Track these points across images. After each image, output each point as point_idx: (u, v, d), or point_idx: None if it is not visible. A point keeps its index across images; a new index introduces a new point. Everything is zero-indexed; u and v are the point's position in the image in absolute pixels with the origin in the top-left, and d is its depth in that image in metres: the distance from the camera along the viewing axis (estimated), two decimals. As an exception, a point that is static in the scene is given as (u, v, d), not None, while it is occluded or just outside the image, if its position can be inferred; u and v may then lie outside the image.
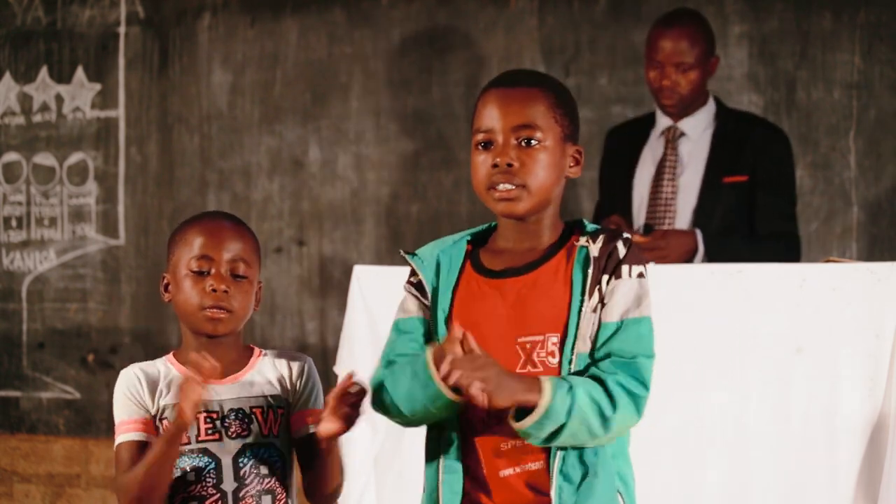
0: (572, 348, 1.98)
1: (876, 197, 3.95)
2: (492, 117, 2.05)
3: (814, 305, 2.79)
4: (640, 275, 2.02)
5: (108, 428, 4.65)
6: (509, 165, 2.02)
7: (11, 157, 4.86)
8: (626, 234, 2.04)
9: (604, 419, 1.94)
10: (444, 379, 1.91)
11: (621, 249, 2.02)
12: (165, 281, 2.24)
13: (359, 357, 3.07)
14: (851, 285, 2.77)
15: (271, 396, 2.20)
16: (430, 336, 2.08)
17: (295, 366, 2.24)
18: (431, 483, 2.07)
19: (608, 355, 1.98)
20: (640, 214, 3.65)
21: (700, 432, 2.83)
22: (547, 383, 1.91)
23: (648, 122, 3.74)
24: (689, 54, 3.60)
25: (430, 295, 2.09)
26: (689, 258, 3.47)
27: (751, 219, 3.61)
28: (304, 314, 4.48)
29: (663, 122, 3.69)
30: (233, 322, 2.19)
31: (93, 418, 4.68)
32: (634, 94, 4.04)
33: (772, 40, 4.04)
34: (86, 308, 4.74)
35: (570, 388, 1.92)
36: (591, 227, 2.07)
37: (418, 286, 2.12)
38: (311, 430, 2.19)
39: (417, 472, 3.04)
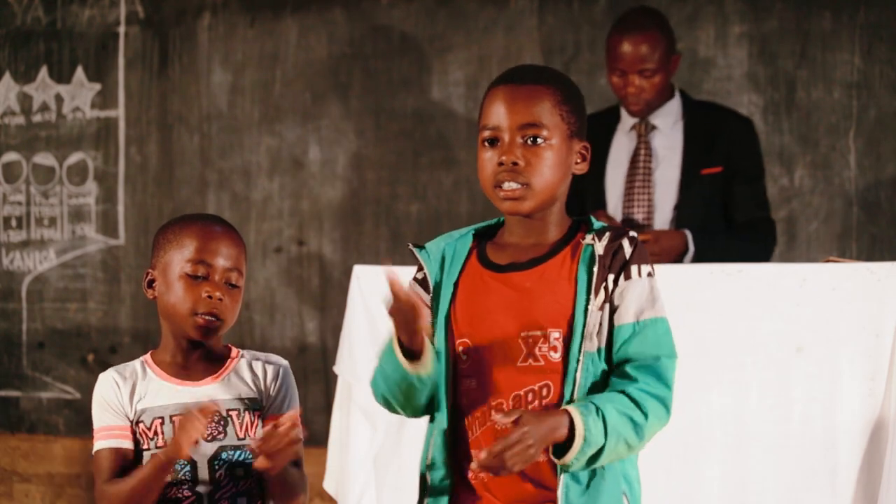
0: (579, 347, 1.98)
1: (876, 197, 3.95)
2: (498, 115, 2.04)
3: (814, 305, 2.79)
4: (650, 273, 2.03)
5: (108, 428, 4.65)
6: (514, 164, 2.02)
7: (11, 157, 4.86)
8: (632, 233, 2.05)
9: (637, 430, 1.95)
10: (486, 467, 1.91)
11: (627, 248, 2.02)
12: (150, 277, 2.22)
13: (358, 357, 3.07)
14: (851, 285, 2.78)
15: (248, 399, 2.18)
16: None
17: (270, 369, 2.22)
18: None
19: (628, 360, 1.99)
20: (616, 210, 3.63)
21: (700, 432, 2.83)
22: (575, 413, 1.91)
23: (612, 115, 3.70)
24: (652, 60, 3.55)
25: (432, 289, 2.09)
26: (678, 259, 3.46)
27: (726, 209, 3.62)
28: (304, 314, 4.48)
29: (631, 117, 3.67)
30: (221, 330, 2.18)
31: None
32: (634, 94, 4.04)
33: (772, 40, 4.04)
34: (86, 308, 4.74)
35: (598, 409, 1.92)
36: (597, 224, 2.08)
37: (423, 282, 2.12)
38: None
39: (417, 471, 3.04)
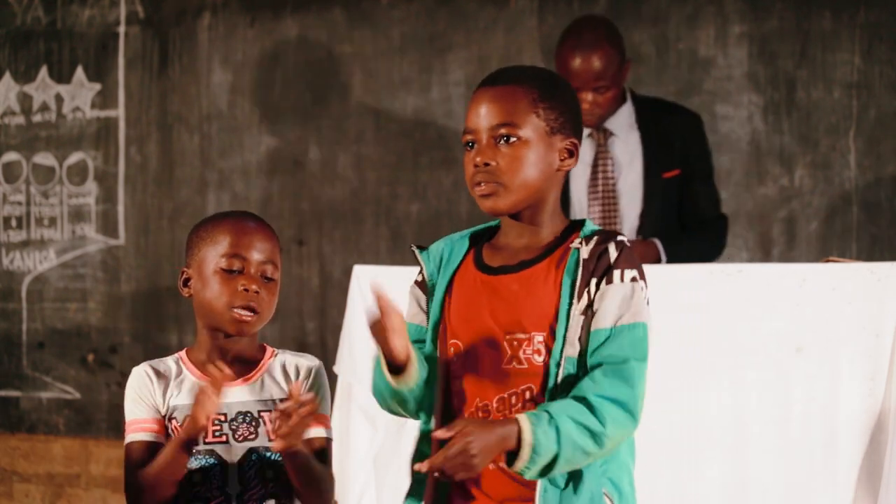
0: (561, 351, 1.98)
1: (876, 197, 3.95)
2: (474, 117, 2.06)
3: (814, 305, 2.79)
4: (634, 279, 2.00)
5: (108, 428, 4.65)
6: (487, 165, 2.03)
7: (11, 156, 4.86)
8: (619, 237, 2.03)
9: (595, 437, 1.92)
10: (436, 475, 1.91)
11: (612, 253, 2.00)
12: (185, 276, 2.22)
13: (358, 357, 3.07)
14: (851, 285, 2.77)
15: (280, 400, 2.18)
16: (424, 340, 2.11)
17: (303, 368, 2.23)
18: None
19: (600, 364, 1.97)
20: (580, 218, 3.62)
21: (700, 432, 2.83)
22: (525, 422, 1.89)
23: None
24: (605, 77, 3.50)
25: (429, 290, 2.11)
26: None
27: (681, 208, 3.61)
28: (304, 314, 4.48)
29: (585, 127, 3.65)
30: (258, 324, 2.18)
31: (93, 418, 4.68)
32: (634, 94, 4.05)
33: (772, 40, 4.04)
34: (86, 308, 4.74)
35: (551, 417, 1.90)
36: (589, 228, 2.07)
37: (422, 285, 2.14)
38: (311, 435, 2.19)
39: (417, 471, 3.04)
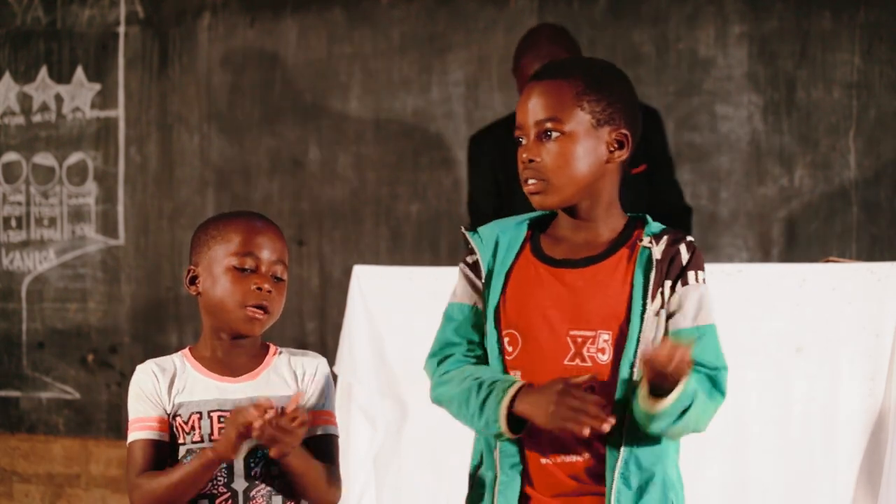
0: (635, 351, 1.97)
1: (876, 197, 3.95)
2: (521, 113, 2.06)
3: (814, 305, 2.79)
4: (704, 280, 2.02)
5: (108, 428, 4.65)
6: (532, 161, 2.03)
7: (11, 157, 4.86)
8: (689, 238, 2.04)
9: (704, 412, 1.97)
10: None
11: (684, 254, 2.01)
12: (192, 273, 2.21)
13: (358, 357, 3.08)
14: (851, 285, 2.77)
15: (285, 396, 2.18)
16: (478, 323, 2.08)
17: (308, 366, 2.23)
18: (489, 464, 2.07)
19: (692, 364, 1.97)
20: None
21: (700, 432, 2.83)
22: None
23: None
24: None
25: (484, 276, 2.08)
26: None
27: (649, 203, 3.63)
28: (304, 314, 4.48)
29: None
30: (267, 324, 2.18)
31: (92, 418, 4.68)
32: (634, 94, 4.04)
33: (772, 40, 4.04)
34: (85, 308, 4.74)
35: (689, 380, 1.93)
36: (655, 225, 2.06)
37: (474, 266, 2.10)
38: (319, 433, 2.19)
39: (417, 471, 3.05)
